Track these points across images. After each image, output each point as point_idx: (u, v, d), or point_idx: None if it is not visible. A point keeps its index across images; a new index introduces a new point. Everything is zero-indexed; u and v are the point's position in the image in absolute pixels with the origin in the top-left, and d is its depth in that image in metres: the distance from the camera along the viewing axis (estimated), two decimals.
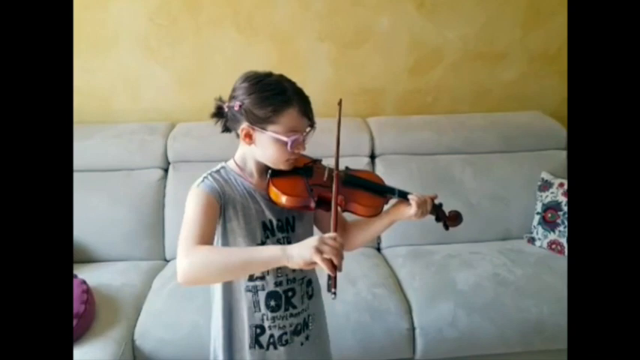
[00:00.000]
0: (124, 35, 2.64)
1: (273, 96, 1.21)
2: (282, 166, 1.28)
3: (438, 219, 1.43)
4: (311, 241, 1.05)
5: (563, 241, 2.35)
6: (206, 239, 1.16)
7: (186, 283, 1.13)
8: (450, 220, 1.44)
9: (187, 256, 1.12)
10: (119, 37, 2.64)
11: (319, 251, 1.03)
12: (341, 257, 1.05)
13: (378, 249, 2.49)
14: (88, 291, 1.96)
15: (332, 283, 1.06)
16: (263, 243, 1.29)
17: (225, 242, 1.28)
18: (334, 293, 1.05)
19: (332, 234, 1.08)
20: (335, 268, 1.04)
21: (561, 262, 2.25)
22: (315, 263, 1.04)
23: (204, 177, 1.28)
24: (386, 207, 1.37)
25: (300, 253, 1.06)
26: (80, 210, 2.09)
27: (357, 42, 2.74)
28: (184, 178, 2.41)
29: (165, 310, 2.00)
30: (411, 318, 2.02)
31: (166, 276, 2.19)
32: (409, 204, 1.33)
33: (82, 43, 2.56)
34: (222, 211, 1.25)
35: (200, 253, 1.12)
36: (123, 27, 2.62)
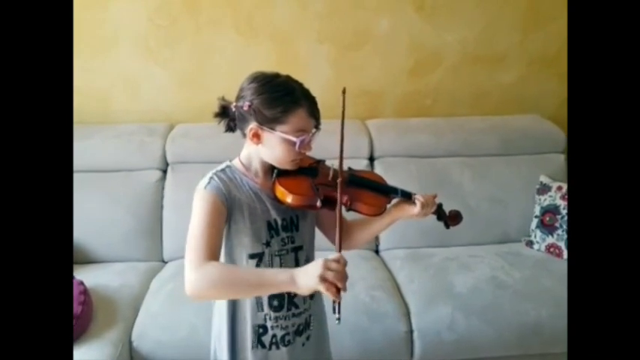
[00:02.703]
0: (124, 36, 2.63)
1: (283, 96, 1.22)
2: (288, 166, 1.29)
3: (439, 218, 1.45)
4: (315, 269, 1.05)
5: (562, 244, 2.35)
6: (214, 250, 1.17)
7: (193, 297, 1.13)
8: (450, 219, 1.46)
9: (197, 270, 1.11)
10: (119, 38, 2.64)
11: (323, 279, 1.03)
12: (345, 279, 1.05)
13: (377, 251, 2.49)
14: (85, 292, 1.95)
15: (337, 307, 1.05)
16: (268, 242, 1.30)
17: (230, 242, 1.28)
18: (338, 318, 1.05)
19: (336, 255, 1.08)
20: (339, 292, 1.04)
21: (559, 266, 2.25)
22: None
23: (210, 177, 1.28)
24: (388, 206, 1.39)
25: (306, 283, 1.06)
26: (78, 210, 2.08)
27: (357, 44, 2.75)
28: (183, 179, 2.42)
29: (163, 311, 1.99)
30: (409, 321, 2.02)
31: (164, 277, 2.19)
32: (412, 203, 1.37)
33: (82, 44, 2.55)
34: (228, 212, 1.25)
35: (210, 270, 1.12)
36: (122, 27, 2.62)
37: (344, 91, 1.38)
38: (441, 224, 1.48)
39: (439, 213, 1.45)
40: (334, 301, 1.05)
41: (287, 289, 1.11)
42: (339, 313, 1.05)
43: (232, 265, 1.25)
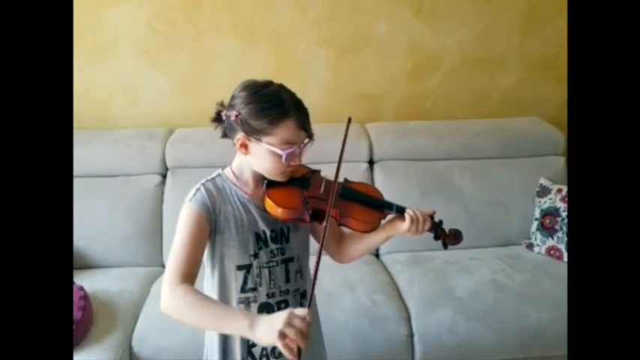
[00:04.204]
0: (123, 41, 2.64)
1: (270, 107, 1.19)
2: (277, 178, 1.27)
3: (436, 237, 1.37)
4: (277, 323, 1.00)
5: (562, 247, 2.35)
6: (191, 269, 1.18)
7: (166, 314, 1.16)
8: (449, 238, 1.37)
9: (171, 293, 1.14)
10: (118, 43, 2.64)
11: (283, 336, 0.99)
12: (306, 339, 1.00)
13: (377, 255, 2.49)
14: (85, 297, 1.95)
15: None
16: (256, 254, 1.28)
17: (218, 253, 1.28)
18: None
19: (302, 312, 1.03)
20: (299, 353, 1.00)
21: (560, 268, 2.25)
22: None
23: (197, 189, 1.27)
24: (382, 222, 1.34)
25: (264, 335, 1.02)
26: (78, 216, 2.08)
27: (356, 47, 2.75)
28: (182, 184, 2.41)
29: (163, 316, 1.92)
30: (410, 324, 2.02)
31: None
32: (404, 219, 1.29)
33: (82, 49, 2.56)
34: (214, 223, 1.25)
35: (181, 297, 1.13)
36: (122, 33, 2.63)
37: (349, 121, 1.35)
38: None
39: (436, 231, 1.35)
40: None
41: (244, 335, 1.07)
42: None
43: (203, 297, 1.17)
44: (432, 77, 2.84)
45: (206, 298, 1.16)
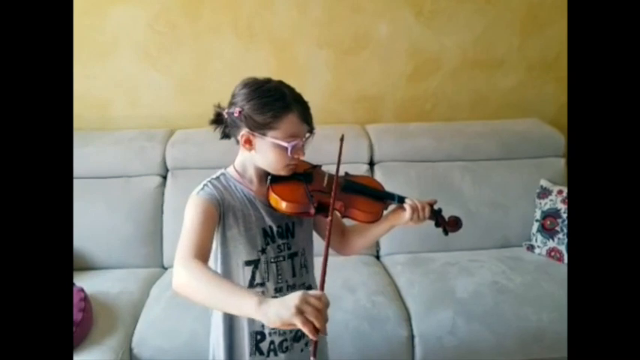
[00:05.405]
0: (124, 42, 2.64)
1: (273, 102, 1.21)
2: (282, 172, 1.29)
3: (437, 224, 1.42)
4: (292, 299, 0.94)
5: (563, 248, 2.34)
6: (204, 249, 1.16)
7: (178, 291, 1.10)
8: (449, 225, 1.42)
9: (185, 266, 1.10)
10: (118, 44, 2.64)
11: (300, 312, 0.92)
12: (325, 320, 0.94)
13: (377, 256, 2.49)
14: (85, 299, 1.95)
15: (312, 349, 0.95)
16: (263, 250, 1.30)
17: (226, 250, 1.28)
18: None
19: (317, 292, 0.97)
20: (317, 332, 0.93)
21: (560, 270, 2.25)
22: (293, 325, 0.93)
23: (204, 184, 1.28)
24: (385, 212, 1.37)
25: (277, 312, 0.94)
26: (78, 217, 2.07)
27: (356, 49, 2.75)
28: (183, 185, 2.42)
29: (163, 318, 1.99)
30: (410, 326, 2.02)
31: (164, 284, 2.18)
32: (405, 209, 1.33)
33: (82, 50, 2.55)
34: (222, 218, 1.25)
35: (194, 269, 1.08)
36: (122, 34, 2.63)
37: (342, 139, 1.38)
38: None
39: (436, 219, 1.40)
40: (311, 342, 0.94)
41: (250, 313, 0.99)
42: (314, 356, 0.94)
43: (215, 273, 1.15)
44: (433, 79, 2.84)
45: (218, 275, 1.16)
